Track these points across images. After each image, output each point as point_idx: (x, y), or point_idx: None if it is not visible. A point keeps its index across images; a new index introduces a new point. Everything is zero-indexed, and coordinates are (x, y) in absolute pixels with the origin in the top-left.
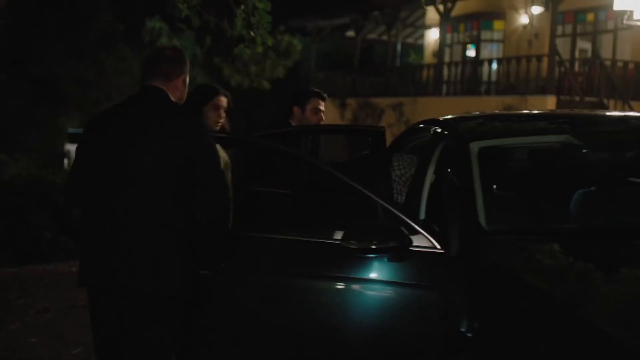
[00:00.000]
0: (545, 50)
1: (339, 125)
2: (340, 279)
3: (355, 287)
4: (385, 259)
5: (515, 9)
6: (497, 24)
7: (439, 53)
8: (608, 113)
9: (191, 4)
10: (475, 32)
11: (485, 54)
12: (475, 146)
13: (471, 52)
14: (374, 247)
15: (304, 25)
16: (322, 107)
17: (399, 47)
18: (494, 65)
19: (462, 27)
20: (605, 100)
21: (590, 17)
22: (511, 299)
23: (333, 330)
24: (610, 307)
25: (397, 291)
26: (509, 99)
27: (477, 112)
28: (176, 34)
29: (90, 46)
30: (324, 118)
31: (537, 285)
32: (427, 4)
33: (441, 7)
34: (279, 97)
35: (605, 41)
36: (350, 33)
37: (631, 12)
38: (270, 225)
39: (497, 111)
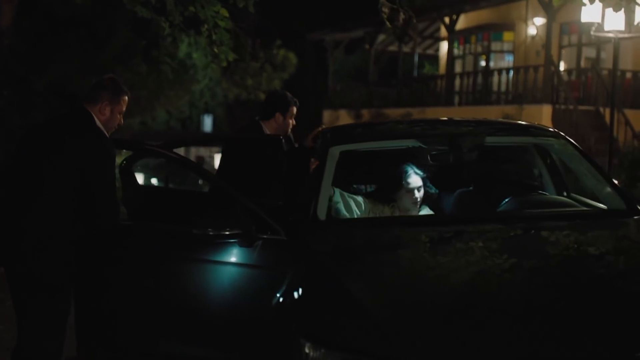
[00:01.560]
0: (552, 59)
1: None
2: (205, 262)
3: (216, 267)
4: (237, 245)
5: (524, 20)
6: (507, 35)
7: (448, 64)
8: (464, 119)
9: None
10: (485, 43)
11: (496, 64)
12: (335, 150)
13: (484, 63)
14: (222, 233)
15: (322, 39)
16: (295, 114)
17: (416, 58)
18: (503, 76)
19: (473, 38)
20: (601, 109)
21: (599, 28)
22: (321, 274)
23: (197, 301)
24: (380, 283)
25: (247, 271)
26: (507, 109)
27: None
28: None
29: (109, 62)
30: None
31: (340, 264)
32: (391, 23)
33: (447, 20)
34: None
35: (609, 51)
36: (366, 46)
37: (599, 24)
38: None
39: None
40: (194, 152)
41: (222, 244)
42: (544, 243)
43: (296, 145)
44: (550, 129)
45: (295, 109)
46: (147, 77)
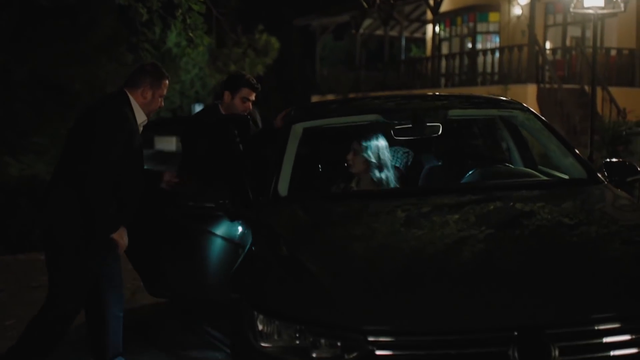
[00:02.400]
0: (536, 39)
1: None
2: (208, 233)
3: (212, 238)
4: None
5: (509, 0)
6: (493, 16)
7: (434, 46)
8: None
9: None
10: (471, 25)
11: (482, 45)
12: (298, 127)
13: (471, 45)
14: (199, 205)
15: (309, 24)
16: (251, 97)
17: (402, 41)
18: (488, 57)
19: (459, 20)
20: (586, 87)
21: (578, 5)
22: (276, 247)
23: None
24: (333, 254)
25: (225, 244)
26: (493, 89)
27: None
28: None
29: (93, 52)
30: (251, 107)
31: (295, 237)
32: (369, 5)
33: (432, 2)
34: (286, 94)
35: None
36: (352, 30)
37: (579, 0)
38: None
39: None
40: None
41: (220, 217)
42: (502, 212)
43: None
44: (516, 102)
45: (249, 91)
46: (132, 66)
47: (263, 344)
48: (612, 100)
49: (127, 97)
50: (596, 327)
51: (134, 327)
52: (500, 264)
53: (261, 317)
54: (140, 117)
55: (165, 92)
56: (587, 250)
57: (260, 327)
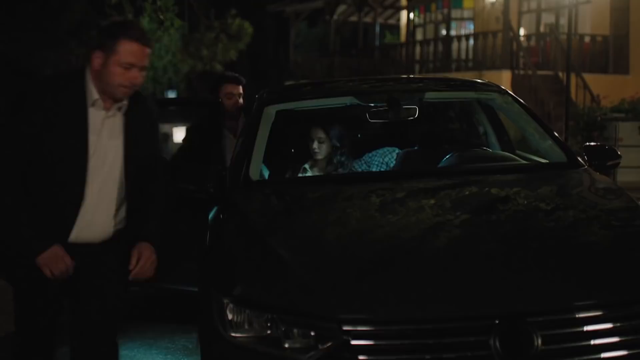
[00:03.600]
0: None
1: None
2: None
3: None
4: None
5: None
6: (467, 2)
7: (408, 33)
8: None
9: None
10: (446, 11)
11: (457, 32)
12: (271, 109)
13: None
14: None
15: (282, 10)
16: (236, 91)
17: (377, 28)
18: (463, 43)
19: (433, 6)
20: (560, 74)
21: None
22: (246, 233)
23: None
24: (305, 240)
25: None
26: (468, 75)
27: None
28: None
29: (64, 36)
30: (240, 101)
31: (266, 223)
32: None
33: None
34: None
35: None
36: (326, 16)
37: None
38: None
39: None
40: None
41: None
42: (481, 196)
43: None
44: (494, 85)
45: (232, 86)
46: None
47: (233, 334)
48: (586, 87)
49: (78, 70)
50: (578, 315)
51: None
52: (479, 251)
53: (231, 306)
54: (92, 95)
55: (133, 60)
56: (568, 236)
57: (229, 316)
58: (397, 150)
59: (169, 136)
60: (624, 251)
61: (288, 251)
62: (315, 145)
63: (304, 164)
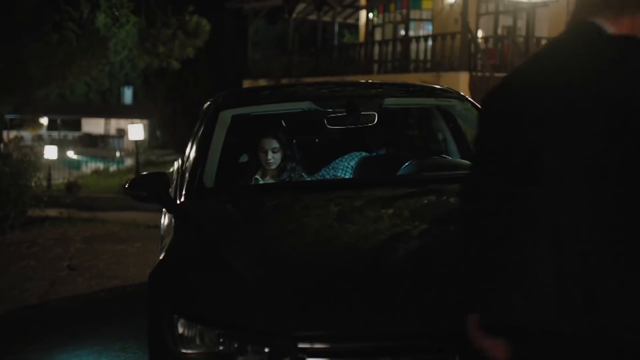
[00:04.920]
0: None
1: None
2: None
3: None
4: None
5: None
6: (426, 3)
7: (367, 32)
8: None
9: None
10: (404, 12)
11: (415, 32)
12: (226, 114)
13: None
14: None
15: (241, 7)
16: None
17: (336, 27)
18: (421, 44)
19: (392, 6)
20: None
21: None
22: (198, 244)
23: None
24: (259, 253)
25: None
26: (426, 76)
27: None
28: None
29: (16, 30)
30: None
31: (219, 233)
32: None
33: None
34: (217, 78)
35: (525, 19)
36: (285, 15)
37: None
38: None
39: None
40: (114, 125)
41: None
42: (439, 205)
43: None
44: (454, 91)
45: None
46: (58, 46)
47: (183, 350)
48: None
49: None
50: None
51: (54, 322)
52: (439, 264)
53: (182, 320)
54: None
55: None
56: None
57: (180, 331)
58: (363, 154)
59: None
60: None
61: (242, 263)
62: (270, 156)
63: (254, 175)
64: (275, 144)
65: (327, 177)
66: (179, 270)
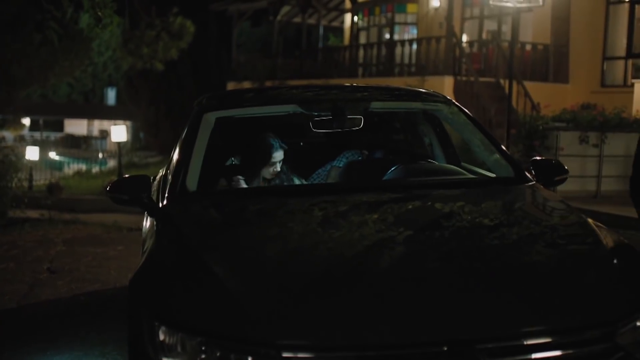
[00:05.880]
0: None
1: None
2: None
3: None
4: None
5: None
6: (411, 7)
7: (351, 36)
8: (351, 85)
9: None
10: (389, 15)
11: (400, 36)
12: (210, 116)
13: (388, 35)
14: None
15: (225, 9)
16: None
17: (320, 30)
18: (406, 48)
19: (377, 10)
20: (502, 81)
21: None
22: (179, 249)
23: None
24: (243, 259)
25: None
26: (410, 80)
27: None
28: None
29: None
30: None
31: (202, 238)
32: None
33: None
34: (201, 80)
35: (510, 24)
36: (270, 17)
37: None
38: None
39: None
40: (97, 126)
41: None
42: (423, 211)
43: None
44: (440, 95)
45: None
46: (40, 47)
47: (164, 359)
48: (526, 94)
49: None
50: (527, 342)
51: (33, 327)
52: (425, 272)
53: (163, 328)
54: None
55: None
56: (516, 255)
57: (161, 339)
58: (359, 152)
59: None
60: (575, 272)
61: (224, 270)
62: (278, 167)
63: (237, 176)
64: (282, 155)
65: (320, 179)
66: (160, 277)
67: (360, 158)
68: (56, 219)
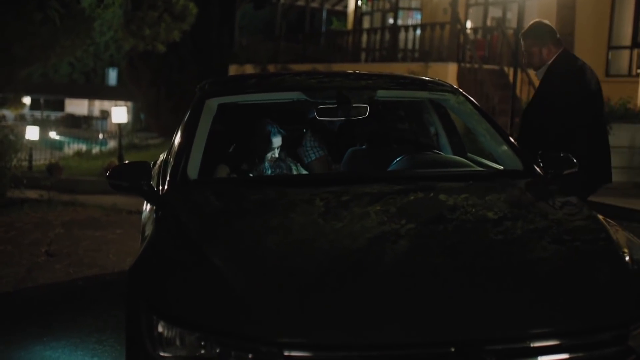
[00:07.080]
0: (458, 17)
1: None
2: None
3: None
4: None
5: None
6: None
7: (355, 20)
8: (356, 72)
9: None
10: (393, 0)
11: (404, 21)
12: (213, 102)
13: (392, 20)
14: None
15: None
16: None
17: (324, 14)
18: (410, 33)
19: None
20: (506, 68)
21: None
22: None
23: None
24: (245, 251)
25: None
26: (414, 66)
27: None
28: None
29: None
30: None
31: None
32: None
33: None
34: (203, 62)
35: (515, 11)
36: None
37: None
38: None
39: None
40: (98, 106)
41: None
42: (429, 205)
43: None
44: (447, 84)
45: None
46: (41, 25)
47: (162, 354)
48: (530, 83)
49: None
50: (536, 345)
51: (30, 311)
52: (431, 267)
53: (161, 322)
54: None
55: None
56: (524, 252)
57: (159, 333)
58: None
59: None
60: (586, 272)
61: (225, 262)
62: (276, 152)
63: (236, 163)
64: (280, 141)
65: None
66: (159, 268)
67: (364, 147)
68: (55, 200)
